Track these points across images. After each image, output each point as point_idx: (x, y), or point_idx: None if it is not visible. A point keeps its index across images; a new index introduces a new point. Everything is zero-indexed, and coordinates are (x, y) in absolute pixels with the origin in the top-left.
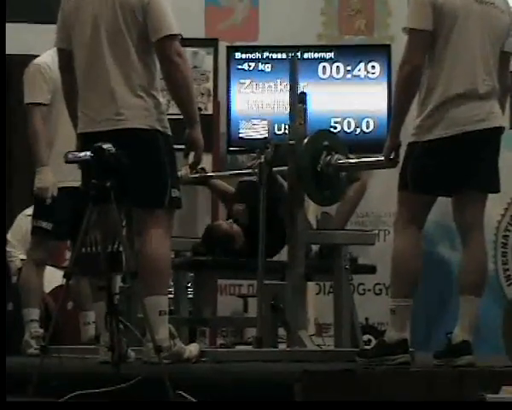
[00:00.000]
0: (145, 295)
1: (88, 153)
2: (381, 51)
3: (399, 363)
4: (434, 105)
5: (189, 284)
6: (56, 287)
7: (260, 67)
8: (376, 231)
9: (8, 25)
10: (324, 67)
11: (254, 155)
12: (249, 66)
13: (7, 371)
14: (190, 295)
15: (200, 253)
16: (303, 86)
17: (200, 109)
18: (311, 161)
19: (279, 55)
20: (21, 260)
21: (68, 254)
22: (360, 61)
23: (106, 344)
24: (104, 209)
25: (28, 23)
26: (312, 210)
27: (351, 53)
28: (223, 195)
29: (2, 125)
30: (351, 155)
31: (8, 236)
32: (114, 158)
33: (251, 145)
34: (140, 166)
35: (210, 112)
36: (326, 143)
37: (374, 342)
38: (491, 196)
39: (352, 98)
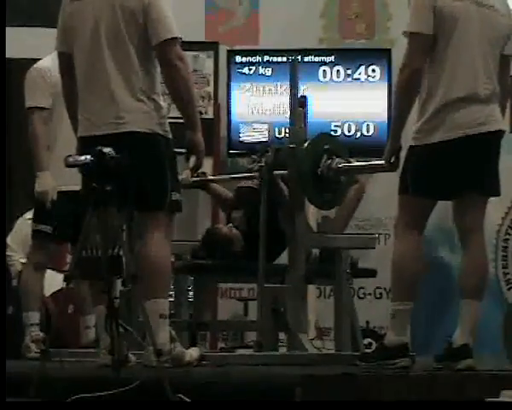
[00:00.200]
0: (145, 299)
1: (88, 157)
2: (381, 55)
3: (400, 367)
4: (435, 109)
5: (190, 288)
6: (57, 291)
7: (261, 70)
8: (377, 235)
9: (9, 28)
10: (325, 70)
11: (254, 157)
12: (249, 69)
13: (7, 375)
14: (191, 299)
15: (200, 256)
16: (303, 90)
17: (200, 113)
18: (311, 164)
19: (279, 59)
20: (22, 263)
21: (69, 258)
22: (360, 65)
23: (106, 348)
24: (104, 213)
25: (29, 27)
26: (313, 214)
27: (351, 56)
28: (221, 200)
29: (2, 127)
30: (351, 159)
31: (9, 239)
32: (115, 162)
33: (251, 149)
34: (140, 170)
35: (210, 116)
36: (326, 146)
37: (374, 345)
38: (491, 199)
39: (353, 102)
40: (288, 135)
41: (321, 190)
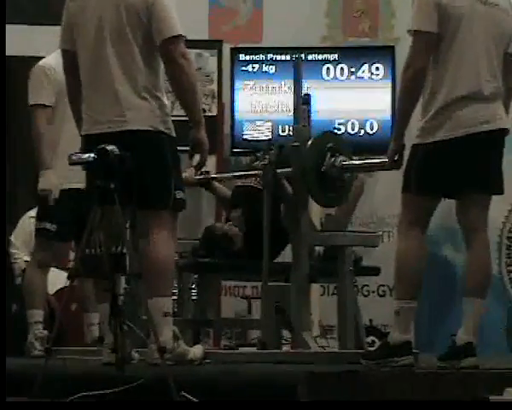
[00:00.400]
0: (149, 297)
1: (92, 154)
2: (385, 53)
3: (403, 365)
4: (439, 107)
5: (194, 286)
6: (60, 288)
7: (264, 68)
8: (380, 233)
9: (13, 26)
10: (328, 68)
11: (259, 155)
12: (253, 67)
13: (11, 373)
14: (194, 297)
15: (200, 255)
16: (307, 88)
17: (204, 111)
18: (315, 162)
19: (283, 57)
20: (25, 261)
21: (72, 256)
22: (364, 63)
23: (110, 346)
24: (108, 211)
25: (32, 25)
26: (316, 212)
27: (355, 54)
28: (222, 199)
29: (2, 127)
30: (354, 157)
31: (12, 237)
32: (118, 160)
33: (255, 147)
34: (144, 168)
35: (214, 113)
36: (330, 144)
37: (378, 343)
38: (495, 197)
39: (356, 100)
40: (291, 133)
41: (324, 188)
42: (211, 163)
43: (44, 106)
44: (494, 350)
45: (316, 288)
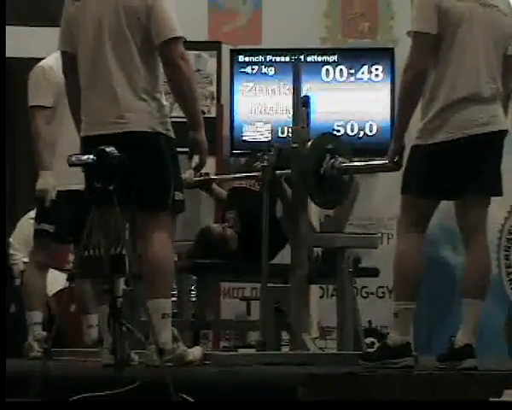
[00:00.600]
0: (148, 298)
1: (91, 156)
2: (384, 54)
3: (402, 366)
4: (438, 108)
5: (193, 287)
6: (59, 290)
7: (263, 70)
8: (379, 235)
9: (12, 28)
10: (327, 70)
11: (259, 155)
12: (252, 69)
13: (9, 375)
14: (194, 299)
15: (195, 256)
16: (306, 89)
17: (203, 112)
18: (314, 164)
19: (282, 59)
20: (24, 262)
21: (71, 257)
22: (363, 65)
23: (109, 347)
24: (107, 212)
25: (31, 27)
26: (315, 213)
27: (354, 56)
28: (218, 200)
29: (2, 127)
30: (354, 159)
31: (11, 239)
32: (117, 161)
33: (254, 148)
34: (143, 170)
35: (213, 115)
36: (329, 146)
37: (377, 345)
38: (494, 199)
39: (356, 101)
40: (290, 135)
41: (324, 190)
42: (210, 165)
43: (43, 107)
44: (493, 351)
45: (315, 289)
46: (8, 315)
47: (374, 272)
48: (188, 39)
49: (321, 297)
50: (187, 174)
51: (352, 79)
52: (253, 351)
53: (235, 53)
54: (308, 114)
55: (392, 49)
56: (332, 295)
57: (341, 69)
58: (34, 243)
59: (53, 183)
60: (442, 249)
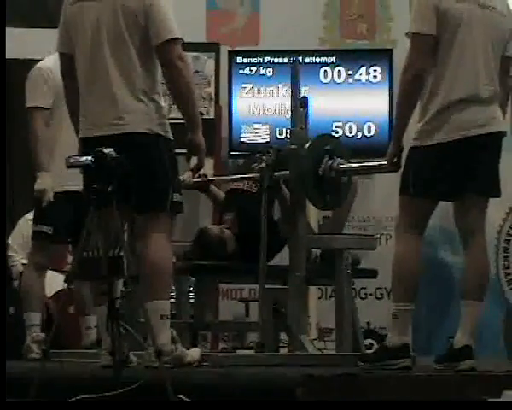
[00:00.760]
0: (147, 300)
1: (89, 157)
2: (382, 55)
3: (401, 368)
4: (436, 110)
5: (191, 289)
6: (58, 291)
7: (262, 71)
8: (378, 236)
9: (11, 29)
10: (326, 71)
11: (258, 156)
12: (251, 70)
13: (8, 376)
14: (192, 300)
15: (193, 257)
16: (304, 91)
17: (201, 114)
18: (312, 165)
19: (280, 60)
20: (23, 264)
21: (70, 259)
22: (362, 66)
23: (107, 349)
24: (105, 214)
25: (29, 28)
26: (313, 215)
27: (352, 57)
28: (216, 202)
29: (2, 127)
30: (352, 160)
31: (10, 240)
32: (116, 162)
33: (252, 149)
34: (141, 171)
35: (211, 116)
36: (328, 147)
37: (375, 346)
38: (492, 200)
39: (354, 103)
40: (289, 136)
41: (322, 191)
42: (208, 166)
43: (42, 108)
44: (492, 352)
45: (313, 290)
46: (6, 317)
47: (372, 274)
48: (186, 40)
49: (319, 298)
50: (185, 175)
51: (351, 80)
52: (251, 352)
53: (233, 54)
54: (306, 116)
55: (391, 50)
56: (330, 297)
57: (339, 70)
58: (32, 244)
59: (51, 184)
60: (441, 250)
